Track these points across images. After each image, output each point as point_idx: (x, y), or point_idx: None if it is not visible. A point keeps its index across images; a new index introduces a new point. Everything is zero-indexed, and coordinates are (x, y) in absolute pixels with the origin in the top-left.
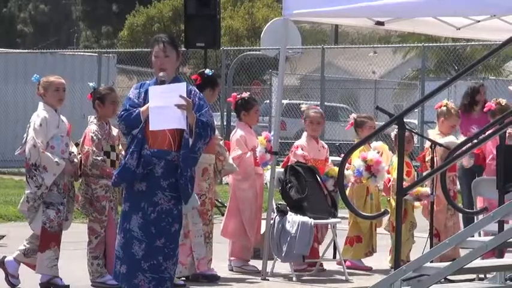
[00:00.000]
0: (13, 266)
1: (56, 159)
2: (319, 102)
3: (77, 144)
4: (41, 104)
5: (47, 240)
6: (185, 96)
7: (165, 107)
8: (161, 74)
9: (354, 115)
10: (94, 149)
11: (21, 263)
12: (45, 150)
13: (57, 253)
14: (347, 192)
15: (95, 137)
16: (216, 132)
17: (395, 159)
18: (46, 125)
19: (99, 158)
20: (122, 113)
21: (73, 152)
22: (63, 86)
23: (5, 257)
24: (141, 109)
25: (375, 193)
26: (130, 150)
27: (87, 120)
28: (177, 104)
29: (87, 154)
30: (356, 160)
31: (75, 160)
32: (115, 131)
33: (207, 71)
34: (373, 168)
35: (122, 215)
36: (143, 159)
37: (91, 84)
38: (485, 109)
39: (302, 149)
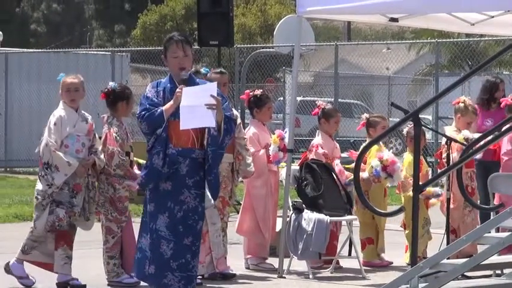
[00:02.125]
0: (17, 268)
1: (68, 160)
2: (333, 99)
3: None
4: (61, 103)
5: (58, 239)
6: (216, 95)
7: (196, 106)
8: (183, 72)
9: (366, 115)
10: (119, 149)
11: (25, 262)
12: (58, 149)
13: (67, 252)
14: None
15: (118, 138)
16: (242, 131)
17: (406, 155)
18: (61, 124)
19: (124, 158)
20: (143, 112)
21: (98, 149)
22: (75, 86)
23: (8, 262)
24: (164, 108)
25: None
26: (156, 150)
27: (103, 120)
28: (208, 103)
29: (111, 154)
30: (373, 160)
31: (101, 157)
32: (128, 132)
33: (203, 69)
34: (389, 168)
35: (147, 215)
36: (168, 159)
37: (111, 83)
38: (501, 104)
39: (322, 148)
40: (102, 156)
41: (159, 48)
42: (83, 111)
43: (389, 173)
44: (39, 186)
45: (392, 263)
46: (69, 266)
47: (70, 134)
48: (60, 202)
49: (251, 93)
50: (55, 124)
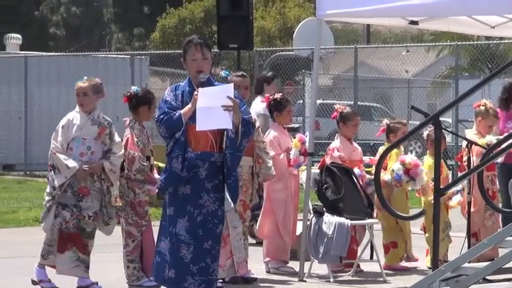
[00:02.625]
0: (40, 273)
1: (67, 163)
2: (352, 102)
3: None
4: (76, 107)
5: (65, 241)
6: (232, 97)
7: (212, 107)
8: (201, 75)
9: (386, 121)
10: (140, 154)
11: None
12: (61, 152)
13: (78, 254)
14: None
15: (139, 143)
16: (261, 134)
17: (426, 159)
18: (68, 127)
19: (145, 163)
20: (162, 116)
21: (116, 153)
22: (83, 91)
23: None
24: (182, 111)
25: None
26: (175, 154)
27: (125, 124)
28: (224, 105)
29: (132, 159)
30: (395, 164)
31: (114, 162)
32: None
33: (223, 72)
34: (412, 171)
35: (166, 219)
36: (187, 163)
37: (134, 88)
38: None
39: (338, 151)
40: (116, 161)
41: (178, 51)
42: (101, 115)
43: (411, 176)
44: (47, 188)
45: (409, 268)
46: (80, 269)
47: (76, 137)
48: (65, 205)
49: (271, 97)
50: (62, 127)
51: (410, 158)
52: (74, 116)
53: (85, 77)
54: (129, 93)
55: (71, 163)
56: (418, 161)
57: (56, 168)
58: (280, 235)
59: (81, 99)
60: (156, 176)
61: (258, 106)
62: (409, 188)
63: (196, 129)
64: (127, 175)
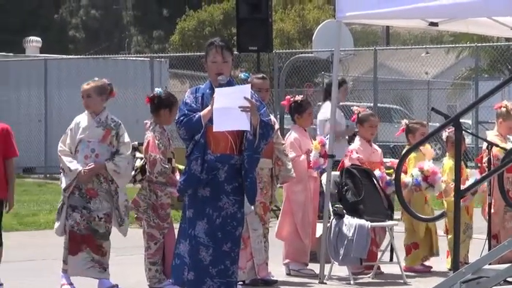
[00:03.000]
0: (64, 277)
1: (69, 165)
2: (372, 104)
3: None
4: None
5: (77, 243)
6: (249, 98)
7: (229, 108)
8: (220, 77)
9: (405, 121)
10: (161, 156)
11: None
12: (68, 154)
13: (92, 255)
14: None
15: (161, 145)
16: (280, 136)
17: (446, 161)
18: (75, 130)
19: (167, 166)
20: (182, 118)
21: (121, 154)
22: (86, 93)
23: None
24: (202, 113)
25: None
26: (194, 156)
27: (145, 126)
28: (242, 105)
29: (153, 162)
30: (414, 170)
31: (119, 163)
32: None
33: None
34: (430, 178)
35: (186, 222)
36: (207, 165)
37: (158, 89)
38: None
39: (357, 153)
40: (120, 162)
41: (197, 53)
42: (109, 117)
43: (430, 183)
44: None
45: (430, 269)
46: (95, 270)
47: (82, 140)
48: (75, 206)
49: (292, 99)
50: (70, 130)
51: (428, 165)
52: (81, 118)
53: (96, 78)
54: (152, 95)
55: (73, 166)
56: (436, 168)
57: (64, 171)
58: (300, 237)
59: (85, 101)
60: (178, 178)
61: (326, 111)
62: (429, 194)
63: (213, 130)
64: (149, 178)
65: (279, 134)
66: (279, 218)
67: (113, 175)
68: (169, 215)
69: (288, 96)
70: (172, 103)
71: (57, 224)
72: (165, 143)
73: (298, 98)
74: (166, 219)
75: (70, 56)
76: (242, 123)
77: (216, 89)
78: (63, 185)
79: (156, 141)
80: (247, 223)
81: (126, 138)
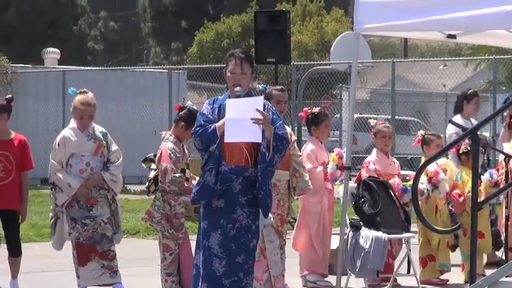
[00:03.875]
0: None
1: (68, 181)
2: (390, 116)
3: (147, 160)
4: (72, 122)
5: (85, 254)
6: (262, 110)
7: (242, 119)
8: (237, 88)
9: (421, 132)
10: (172, 166)
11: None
12: (63, 170)
13: (101, 262)
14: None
15: (172, 155)
16: (296, 148)
17: (462, 173)
18: (64, 145)
19: (177, 175)
20: (197, 128)
21: (113, 163)
22: (89, 114)
23: None
24: (217, 124)
25: (443, 210)
26: (209, 167)
27: (161, 137)
28: (254, 117)
29: (164, 171)
30: (422, 177)
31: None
32: (186, 149)
33: (260, 86)
34: (434, 179)
35: (200, 233)
36: (221, 176)
37: (189, 103)
38: None
39: (374, 164)
40: (115, 171)
41: (215, 65)
42: (96, 128)
43: (434, 184)
44: (51, 206)
45: (446, 282)
46: (106, 276)
47: (74, 154)
48: (75, 219)
49: (309, 111)
50: (59, 145)
51: (431, 167)
52: (68, 132)
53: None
54: (182, 104)
55: (73, 182)
56: (438, 169)
57: (57, 187)
58: (314, 248)
59: (85, 122)
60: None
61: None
62: (436, 197)
63: (225, 141)
64: (162, 188)
65: (296, 145)
66: (295, 230)
67: (110, 184)
68: (183, 225)
69: (305, 108)
70: (189, 119)
71: (53, 239)
72: (178, 153)
73: (316, 109)
74: (180, 229)
75: (88, 68)
76: (254, 135)
77: (228, 100)
78: (59, 201)
79: (168, 151)
80: (263, 235)
81: (114, 146)
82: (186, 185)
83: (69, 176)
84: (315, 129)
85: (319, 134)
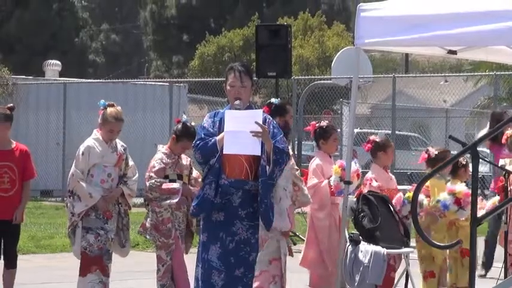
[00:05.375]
0: None
1: (90, 191)
2: (390, 131)
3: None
4: (95, 133)
5: (88, 264)
6: (261, 123)
7: (241, 132)
8: (237, 102)
9: (432, 150)
10: (152, 174)
11: None
12: (85, 179)
13: (101, 276)
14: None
15: (156, 164)
16: (292, 162)
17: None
18: (89, 155)
19: (153, 180)
20: (198, 142)
21: (130, 177)
22: (119, 128)
23: None
24: (218, 138)
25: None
26: (208, 180)
27: (157, 149)
28: (253, 130)
29: (146, 180)
30: (442, 194)
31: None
32: (185, 160)
33: (274, 100)
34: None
35: (200, 246)
36: (221, 189)
37: (185, 117)
38: None
39: (376, 181)
40: (133, 186)
41: (216, 79)
42: (117, 141)
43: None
44: (68, 214)
45: None
46: None
47: (97, 164)
48: (89, 228)
49: (317, 125)
50: (83, 154)
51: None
52: (93, 143)
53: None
54: (180, 119)
55: (94, 192)
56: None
57: (76, 195)
58: (325, 263)
59: (114, 135)
60: (175, 185)
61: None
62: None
63: (223, 152)
64: (146, 196)
65: (293, 159)
66: (304, 247)
67: (127, 198)
68: (171, 231)
69: (313, 122)
70: (183, 136)
71: (73, 248)
72: (164, 163)
73: (324, 123)
74: (169, 236)
75: (89, 80)
76: (252, 148)
77: (227, 111)
78: (76, 210)
79: (153, 162)
80: (280, 247)
81: (131, 161)
82: (163, 187)
83: (90, 186)
84: (324, 142)
85: (328, 148)
